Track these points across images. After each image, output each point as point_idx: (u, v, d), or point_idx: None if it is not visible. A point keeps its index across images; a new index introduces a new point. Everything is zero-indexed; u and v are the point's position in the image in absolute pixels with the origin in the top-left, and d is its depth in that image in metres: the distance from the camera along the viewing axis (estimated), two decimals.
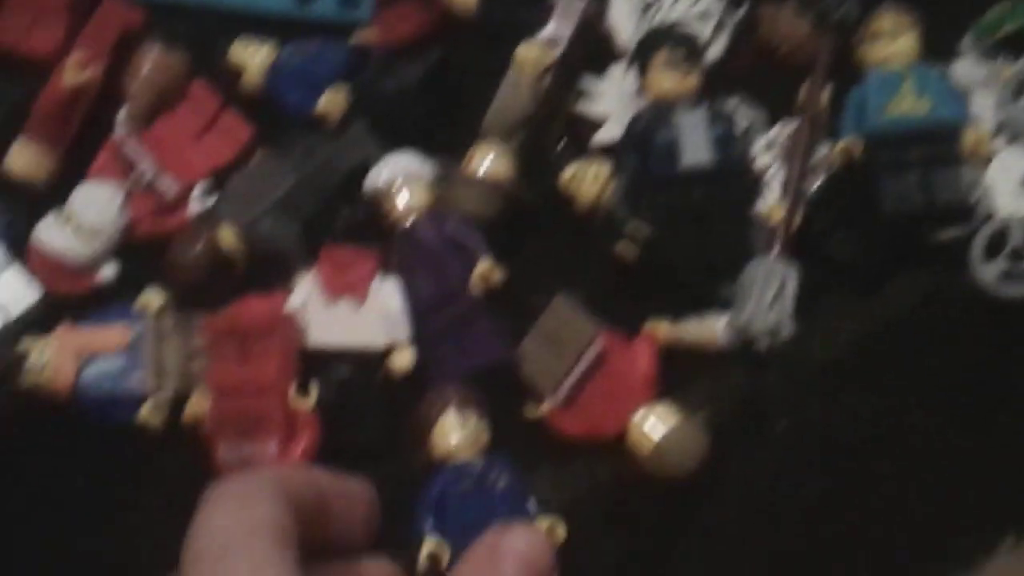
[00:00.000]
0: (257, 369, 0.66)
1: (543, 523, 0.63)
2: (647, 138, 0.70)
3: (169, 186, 0.74)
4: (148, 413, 0.69)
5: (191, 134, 0.76)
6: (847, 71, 0.74)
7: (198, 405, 0.67)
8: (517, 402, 0.69)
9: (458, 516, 0.63)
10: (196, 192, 0.74)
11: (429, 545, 0.62)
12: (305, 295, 0.69)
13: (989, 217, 0.70)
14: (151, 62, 0.76)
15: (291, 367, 0.67)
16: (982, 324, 0.71)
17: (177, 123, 0.77)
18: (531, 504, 0.64)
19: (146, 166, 0.75)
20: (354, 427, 0.68)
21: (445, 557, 0.62)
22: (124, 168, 0.75)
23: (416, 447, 0.66)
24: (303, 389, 0.67)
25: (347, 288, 0.69)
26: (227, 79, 0.77)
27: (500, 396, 0.68)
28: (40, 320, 0.73)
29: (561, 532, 0.63)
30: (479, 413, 0.66)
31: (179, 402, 0.69)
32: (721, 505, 0.69)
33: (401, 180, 0.71)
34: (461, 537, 0.60)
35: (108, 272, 0.74)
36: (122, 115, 0.76)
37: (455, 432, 0.65)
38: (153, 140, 0.76)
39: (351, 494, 0.53)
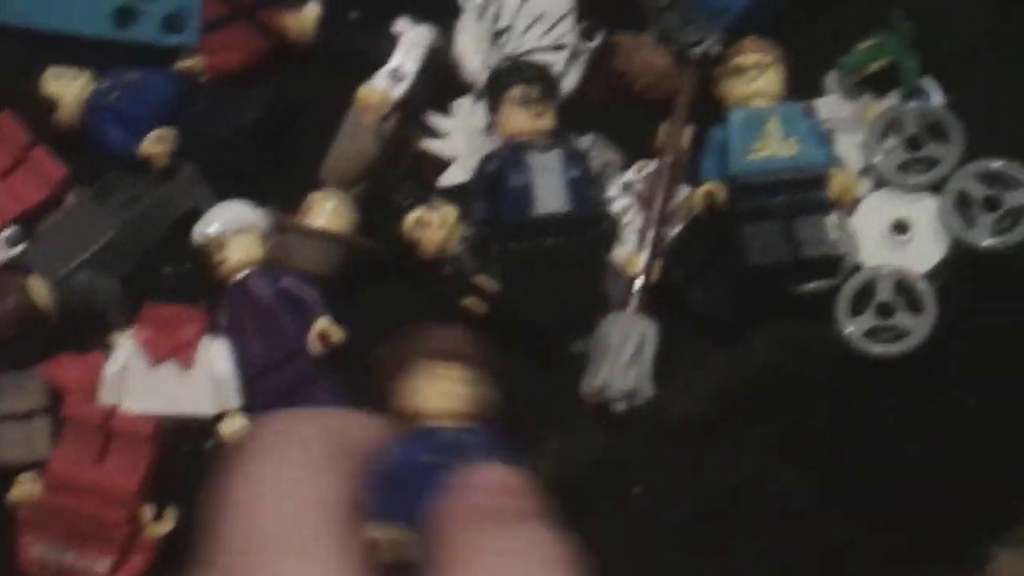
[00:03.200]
0: (117, 476, 0.66)
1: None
2: (498, 182, 0.71)
3: None
4: None
5: None
6: (708, 108, 0.75)
7: (28, 490, 0.65)
8: None
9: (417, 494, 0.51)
10: (3, 238, 0.73)
11: (376, 532, 0.47)
12: (125, 358, 0.70)
13: (855, 269, 0.71)
14: None
15: (150, 484, 0.67)
16: (847, 378, 0.73)
17: None
18: None
19: None
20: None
21: (402, 545, 0.48)
22: None
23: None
24: (159, 513, 0.67)
25: (171, 351, 0.69)
26: (38, 112, 0.76)
27: None
28: None
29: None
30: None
31: None
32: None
33: (232, 231, 0.72)
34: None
35: None
36: None
37: (429, 385, 0.51)
38: None
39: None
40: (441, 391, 0.50)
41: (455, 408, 0.50)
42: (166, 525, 0.67)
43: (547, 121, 0.72)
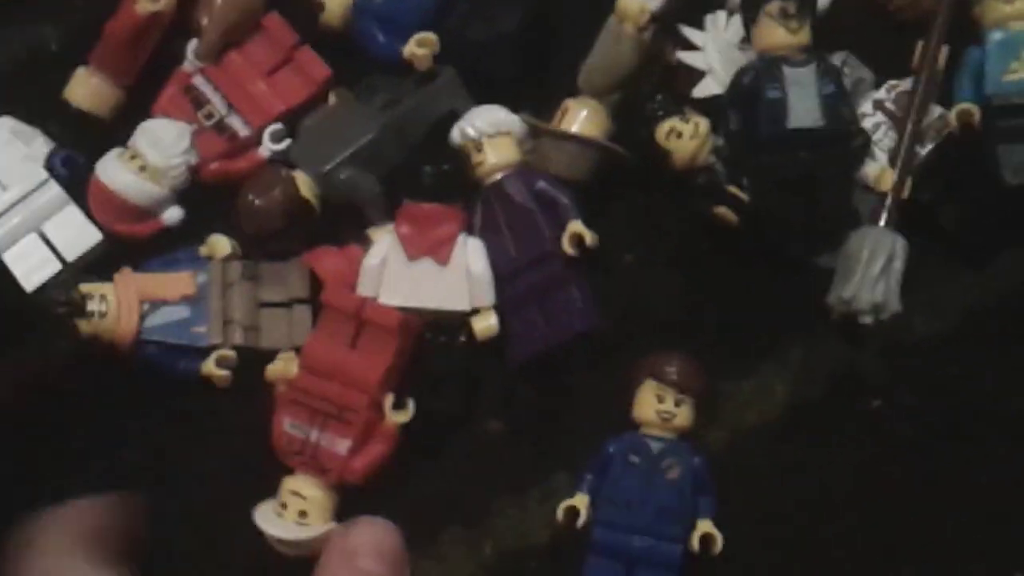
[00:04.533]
0: (363, 363, 0.70)
1: (701, 528, 0.69)
2: (753, 95, 0.74)
3: (240, 126, 0.78)
4: (212, 366, 0.72)
5: (264, 71, 0.80)
6: (963, 30, 0.77)
7: (284, 368, 0.69)
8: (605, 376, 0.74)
9: (615, 485, 0.70)
10: (268, 134, 0.77)
11: (574, 500, 0.70)
12: (384, 252, 0.73)
13: None
14: None
15: (397, 376, 0.71)
16: None
17: (250, 59, 0.80)
18: (702, 505, 0.70)
19: (216, 103, 0.77)
20: (436, 393, 0.71)
21: (583, 515, 0.69)
22: (192, 105, 0.78)
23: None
24: (400, 403, 0.71)
25: (429, 247, 0.73)
26: (305, 14, 0.80)
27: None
28: (100, 264, 0.77)
29: (718, 542, 0.69)
30: (689, 395, 0.70)
31: (245, 355, 0.72)
32: (806, 486, 0.73)
33: (490, 134, 0.75)
34: (610, 505, 0.69)
35: (173, 215, 0.78)
36: (191, 48, 0.79)
37: (650, 403, 0.70)
38: (223, 76, 0.80)
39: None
40: (658, 410, 0.70)
41: (667, 425, 0.70)
42: (405, 415, 0.70)
43: (803, 36, 0.74)
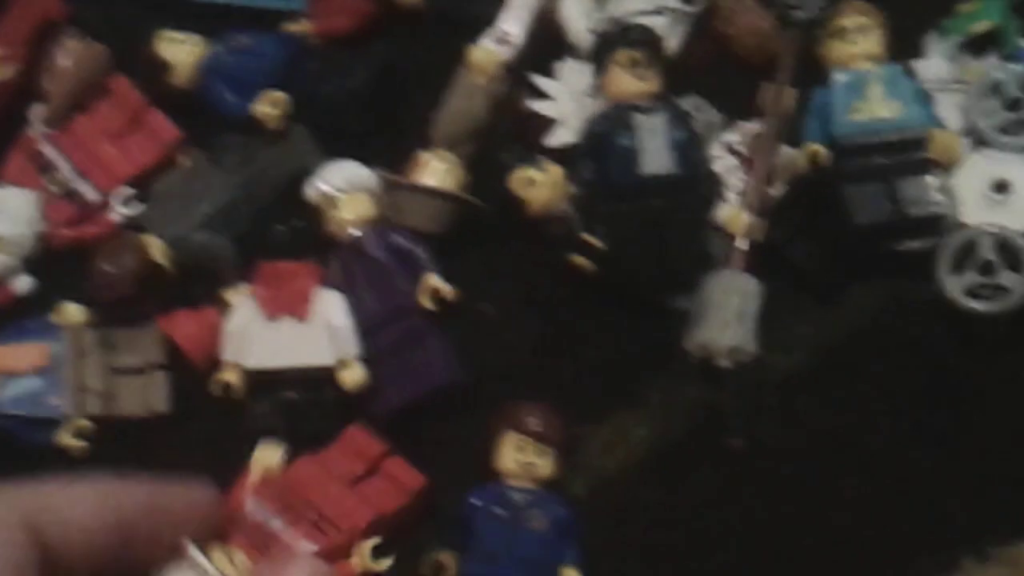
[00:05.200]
0: (358, 505, 0.69)
1: None
2: (605, 143, 0.75)
3: (90, 191, 0.77)
4: (68, 437, 0.71)
5: (112, 134, 0.80)
6: (810, 70, 0.79)
7: (267, 459, 0.70)
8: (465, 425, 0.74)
9: (482, 537, 0.70)
10: (119, 198, 0.76)
11: (438, 555, 0.70)
12: (243, 316, 0.73)
13: (956, 227, 0.73)
14: (70, 55, 0.77)
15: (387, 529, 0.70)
16: (946, 335, 0.76)
17: (97, 122, 0.80)
18: (568, 555, 0.70)
19: (64, 169, 0.76)
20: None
21: (451, 570, 0.69)
22: (39, 171, 0.77)
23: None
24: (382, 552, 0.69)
25: (287, 305, 0.73)
26: (151, 75, 0.80)
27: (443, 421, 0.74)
28: None
29: None
30: (550, 445, 0.71)
31: (101, 424, 0.71)
32: (673, 525, 0.73)
33: (345, 189, 0.75)
34: (476, 558, 0.69)
35: (23, 284, 0.78)
36: (37, 113, 0.78)
37: (511, 454, 0.70)
38: (71, 141, 0.80)
39: (172, 506, 0.49)
40: (520, 461, 0.70)
41: (530, 475, 0.70)
42: (381, 566, 0.69)
43: (652, 84, 0.75)
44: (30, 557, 0.41)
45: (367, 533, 0.69)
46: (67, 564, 0.42)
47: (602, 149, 0.75)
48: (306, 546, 0.66)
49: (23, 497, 0.43)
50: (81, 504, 0.44)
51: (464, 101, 0.76)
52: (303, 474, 0.70)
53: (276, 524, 0.67)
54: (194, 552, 0.47)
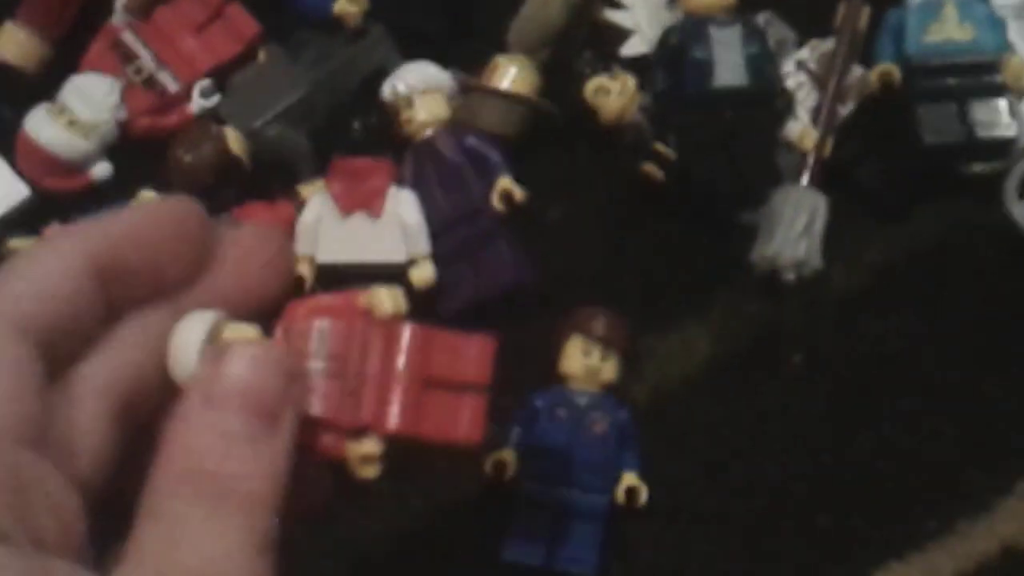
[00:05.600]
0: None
1: (626, 481, 0.70)
2: (680, 54, 0.75)
3: (170, 82, 0.78)
4: None
5: (193, 27, 0.81)
6: None
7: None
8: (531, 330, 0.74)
9: (542, 438, 0.71)
10: (198, 90, 0.78)
11: (500, 454, 0.71)
12: (317, 210, 0.74)
13: None
14: None
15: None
16: (1009, 261, 0.77)
17: (179, 14, 0.81)
18: (627, 459, 0.71)
19: (145, 58, 0.78)
20: None
21: (511, 468, 0.70)
22: (120, 60, 0.79)
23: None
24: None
25: (361, 201, 0.74)
26: None
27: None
28: (28, 220, 0.76)
29: (643, 494, 0.71)
30: (615, 350, 0.72)
31: None
32: (731, 437, 0.75)
33: (420, 90, 0.76)
34: (535, 459, 0.70)
35: (102, 170, 0.79)
36: (120, 2, 0.80)
37: (576, 358, 0.72)
38: (152, 31, 0.81)
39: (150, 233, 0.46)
40: (585, 364, 0.71)
41: (593, 380, 0.71)
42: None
43: None
44: (29, 357, 0.40)
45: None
46: (61, 338, 0.41)
47: (677, 60, 0.75)
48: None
49: (4, 306, 0.41)
50: (54, 276, 0.42)
51: (541, 5, 0.76)
52: None
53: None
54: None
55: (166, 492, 0.39)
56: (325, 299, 0.46)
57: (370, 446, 0.44)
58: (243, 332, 0.44)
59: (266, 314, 0.46)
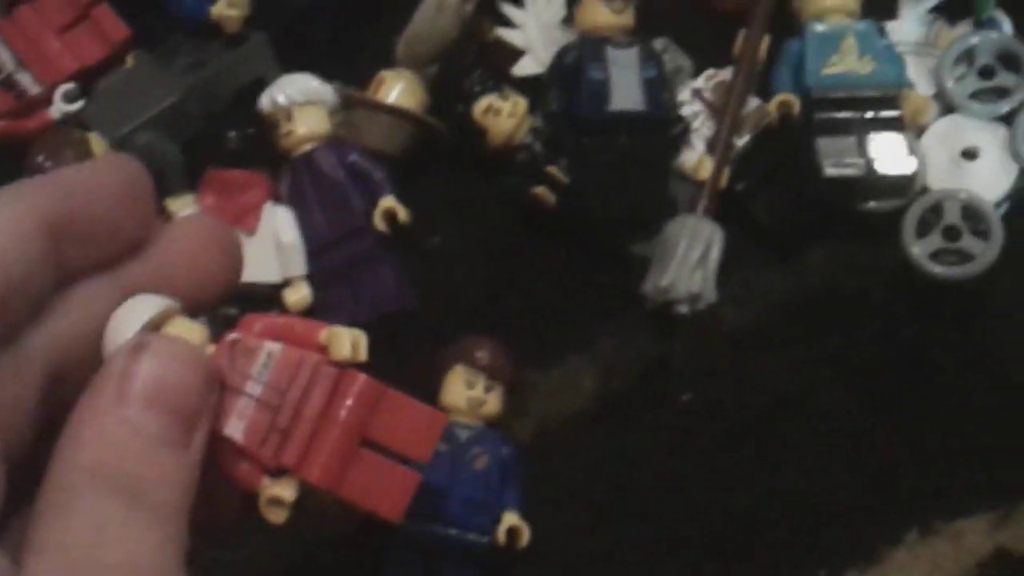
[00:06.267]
0: None
1: (508, 521, 0.67)
2: (576, 75, 0.73)
3: (30, 84, 0.74)
4: None
5: (58, 27, 0.77)
6: (784, 21, 0.77)
7: None
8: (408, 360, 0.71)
9: (423, 472, 0.64)
10: (60, 93, 0.74)
11: None
12: None
13: (923, 191, 0.73)
14: None
15: None
16: (906, 302, 0.75)
17: (43, 13, 0.77)
18: (508, 497, 0.68)
19: (4, 58, 0.75)
20: None
21: None
22: None
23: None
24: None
25: (235, 217, 0.71)
26: None
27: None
28: None
29: (525, 535, 0.67)
30: (500, 382, 0.69)
31: None
32: (617, 477, 0.72)
33: (301, 102, 0.73)
34: (416, 495, 0.64)
35: None
36: None
37: (459, 389, 0.68)
38: (13, 30, 0.76)
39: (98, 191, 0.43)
40: (468, 396, 0.68)
41: (475, 413, 0.68)
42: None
43: (627, 18, 0.74)
44: None
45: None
46: (9, 302, 0.38)
47: (571, 80, 0.72)
48: None
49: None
50: (5, 234, 0.38)
51: (433, 18, 0.73)
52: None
53: None
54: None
55: (80, 485, 0.36)
56: (283, 322, 0.42)
57: (284, 490, 0.40)
58: (187, 329, 0.40)
59: (206, 308, 0.43)
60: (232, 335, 0.41)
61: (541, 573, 0.69)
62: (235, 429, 0.41)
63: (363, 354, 0.42)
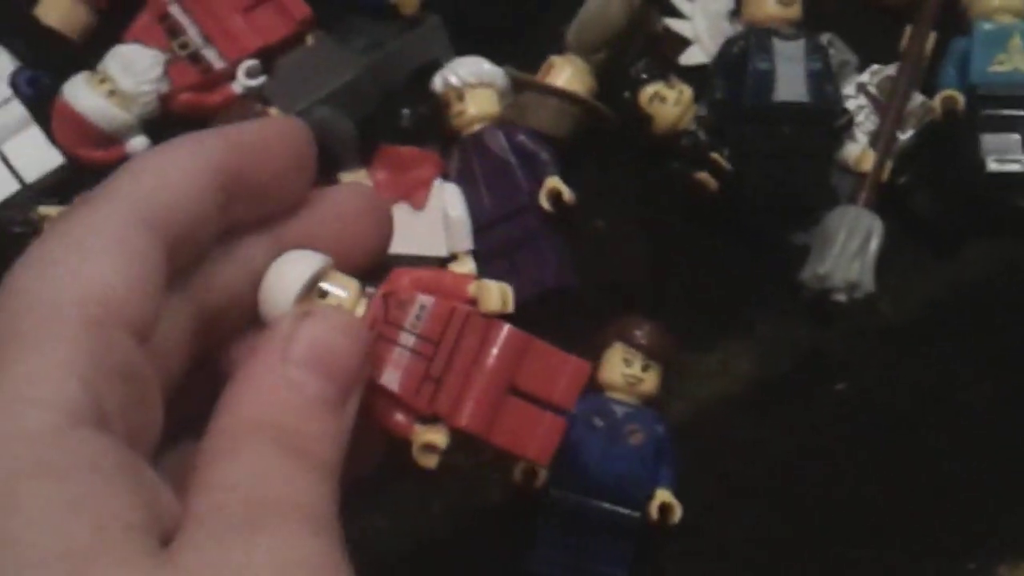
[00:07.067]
0: None
1: (660, 497, 0.67)
2: (742, 65, 0.74)
3: (215, 59, 0.77)
4: None
5: (243, 5, 0.79)
6: (949, 19, 0.78)
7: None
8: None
9: (576, 447, 0.68)
10: (243, 69, 0.76)
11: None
12: None
13: None
14: None
15: None
16: None
17: None
18: (663, 474, 0.68)
19: (192, 34, 0.77)
20: None
21: (540, 476, 0.67)
22: (167, 33, 0.77)
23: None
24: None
25: (405, 191, 0.72)
26: None
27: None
28: (60, 188, 0.74)
29: (677, 512, 0.67)
30: (658, 362, 0.69)
31: None
32: (768, 462, 0.72)
33: (473, 84, 0.74)
34: (566, 467, 0.67)
35: (138, 143, 0.77)
36: None
37: (617, 366, 0.69)
38: (201, 7, 0.78)
39: (268, 146, 0.44)
40: (625, 373, 0.68)
41: (633, 390, 0.68)
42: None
43: (794, 10, 0.74)
44: (159, 256, 0.39)
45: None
46: (183, 244, 0.40)
47: (737, 70, 0.73)
48: None
49: (130, 193, 0.39)
50: (181, 175, 0.40)
51: (603, 6, 0.74)
52: None
53: None
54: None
55: (245, 434, 0.38)
56: (433, 275, 0.44)
57: (437, 436, 0.43)
58: (344, 284, 0.43)
59: (358, 272, 0.44)
60: (386, 287, 0.43)
61: (691, 551, 0.70)
62: (391, 378, 0.43)
63: (511, 306, 0.44)
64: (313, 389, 0.40)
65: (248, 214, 0.43)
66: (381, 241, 0.46)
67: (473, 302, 0.43)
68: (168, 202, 0.39)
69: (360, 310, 0.43)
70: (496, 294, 0.43)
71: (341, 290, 0.42)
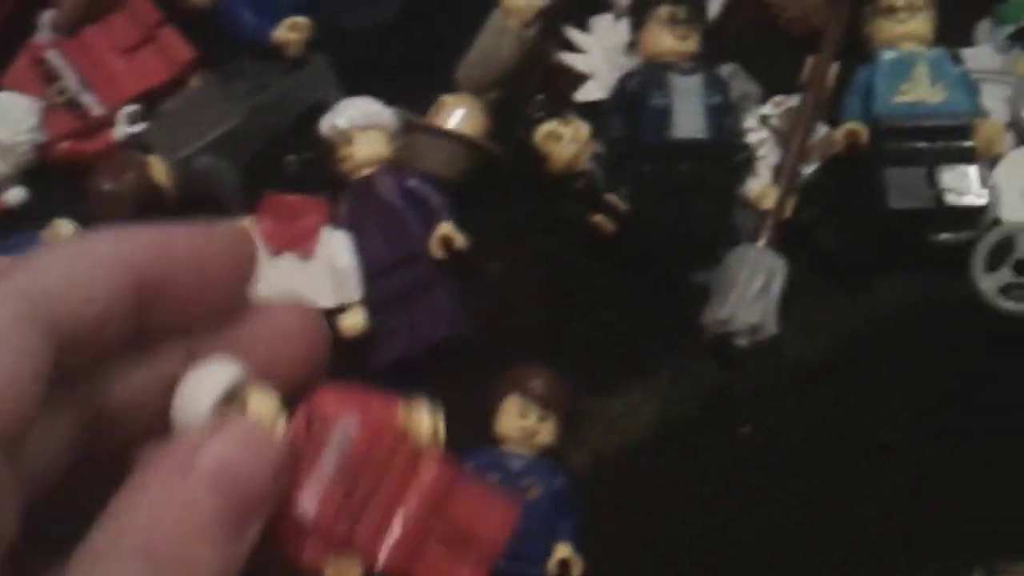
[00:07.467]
0: None
1: (560, 552, 0.66)
2: (638, 101, 0.72)
3: (94, 105, 0.74)
4: None
5: (123, 48, 0.77)
6: (853, 48, 0.76)
7: None
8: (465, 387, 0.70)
9: None
10: (124, 115, 0.74)
11: None
12: None
13: (995, 223, 0.70)
14: None
15: None
16: (973, 335, 0.73)
17: (108, 34, 0.77)
18: (562, 528, 0.67)
19: (69, 79, 0.74)
20: None
21: None
22: (43, 80, 0.74)
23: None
24: None
25: (292, 241, 0.70)
26: None
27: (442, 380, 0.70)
28: None
29: (577, 567, 0.66)
30: (554, 412, 0.68)
31: None
32: (674, 509, 0.70)
33: (361, 126, 0.72)
34: None
35: (16, 195, 0.75)
36: (46, 18, 0.75)
37: (513, 418, 0.67)
38: (79, 51, 0.77)
39: (199, 253, 0.41)
40: (521, 426, 0.67)
41: (529, 442, 0.67)
42: None
43: (691, 44, 0.73)
44: (45, 356, 0.35)
45: None
46: (80, 345, 0.36)
47: (634, 107, 0.71)
48: None
49: (24, 284, 0.36)
50: (89, 272, 0.37)
51: (494, 43, 0.72)
52: None
53: None
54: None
55: (121, 555, 0.35)
56: (360, 396, 0.41)
57: (351, 570, 0.39)
58: (265, 399, 0.39)
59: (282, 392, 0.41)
60: (308, 406, 0.40)
61: None
62: (307, 504, 0.39)
63: (441, 437, 0.41)
64: (210, 510, 0.36)
65: (170, 320, 0.39)
66: (313, 368, 0.43)
67: (401, 427, 0.40)
68: (67, 297, 0.36)
69: (280, 428, 0.40)
70: (427, 424, 0.40)
71: (261, 405, 0.39)
